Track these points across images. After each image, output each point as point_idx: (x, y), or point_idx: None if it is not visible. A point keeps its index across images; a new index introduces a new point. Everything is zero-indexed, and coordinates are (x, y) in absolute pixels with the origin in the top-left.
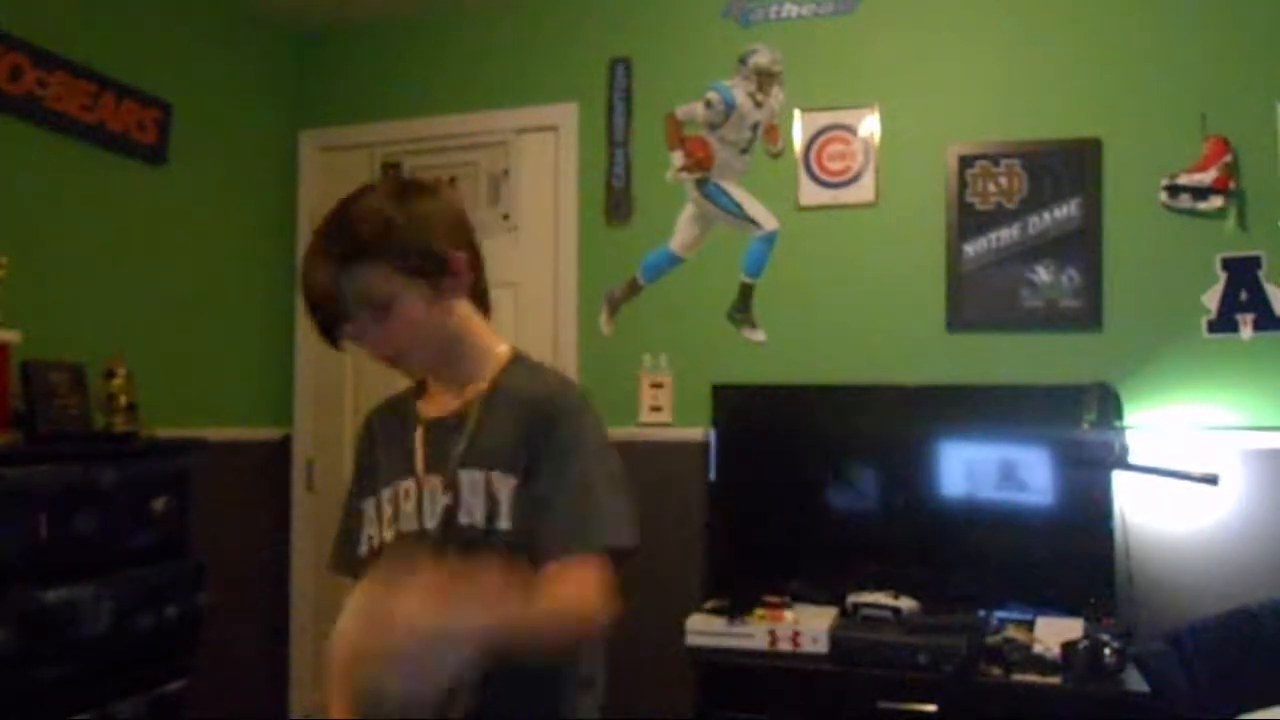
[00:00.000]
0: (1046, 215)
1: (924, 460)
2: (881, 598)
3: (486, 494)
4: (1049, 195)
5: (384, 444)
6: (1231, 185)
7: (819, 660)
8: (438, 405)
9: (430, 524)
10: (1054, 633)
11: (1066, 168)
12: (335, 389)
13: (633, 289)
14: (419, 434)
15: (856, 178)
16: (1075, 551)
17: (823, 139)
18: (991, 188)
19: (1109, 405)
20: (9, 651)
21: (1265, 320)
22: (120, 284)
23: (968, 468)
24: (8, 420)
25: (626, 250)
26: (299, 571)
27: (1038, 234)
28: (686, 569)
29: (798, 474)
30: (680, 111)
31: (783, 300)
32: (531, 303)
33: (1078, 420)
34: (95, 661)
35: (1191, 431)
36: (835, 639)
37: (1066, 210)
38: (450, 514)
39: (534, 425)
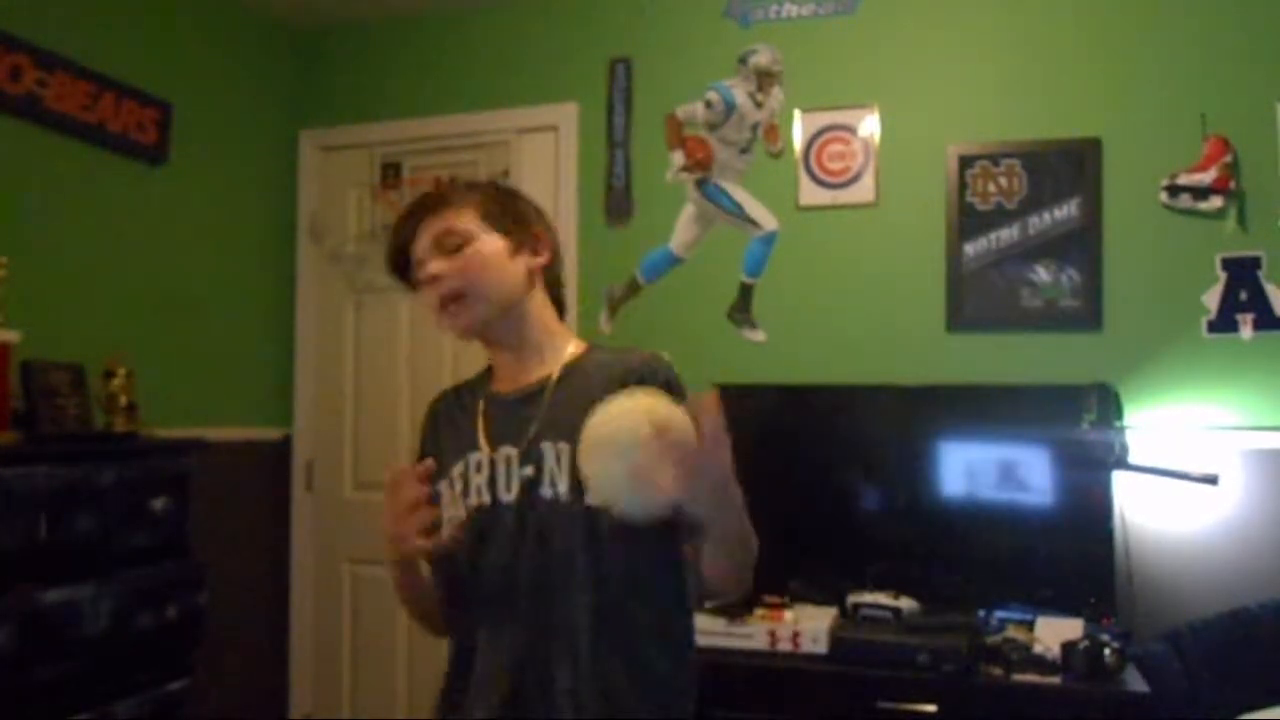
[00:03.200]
0: (1046, 215)
1: (924, 460)
2: (881, 598)
3: (571, 467)
4: (1049, 195)
5: (447, 424)
6: (1231, 185)
7: (819, 660)
8: (507, 383)
9: (506, 496)
10: (1054, 633)
11: (1066, 168)
12: (335, 389)
13: (633, 289)
14: (483, 407)
15: (856, 178)
16: (1075, 551)
17: (823, 139)
18: (991, 188)
19: (1109, 405)
20: (9, 651)
21: (1265, 320)
22: (120, 284)
23: (968, 468)
24: (8, 420)
25: (626, 250)
26: (299, 571)
27: (1038, 234)
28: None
29: (797, 474)
30: (680, 111)
31: (783, 300)
32: None
33: (1078, 420)
34: (95, 661)
35: (1191, 431)
36: (835, 639)
37: (1066, 210)
38: (531, 485)
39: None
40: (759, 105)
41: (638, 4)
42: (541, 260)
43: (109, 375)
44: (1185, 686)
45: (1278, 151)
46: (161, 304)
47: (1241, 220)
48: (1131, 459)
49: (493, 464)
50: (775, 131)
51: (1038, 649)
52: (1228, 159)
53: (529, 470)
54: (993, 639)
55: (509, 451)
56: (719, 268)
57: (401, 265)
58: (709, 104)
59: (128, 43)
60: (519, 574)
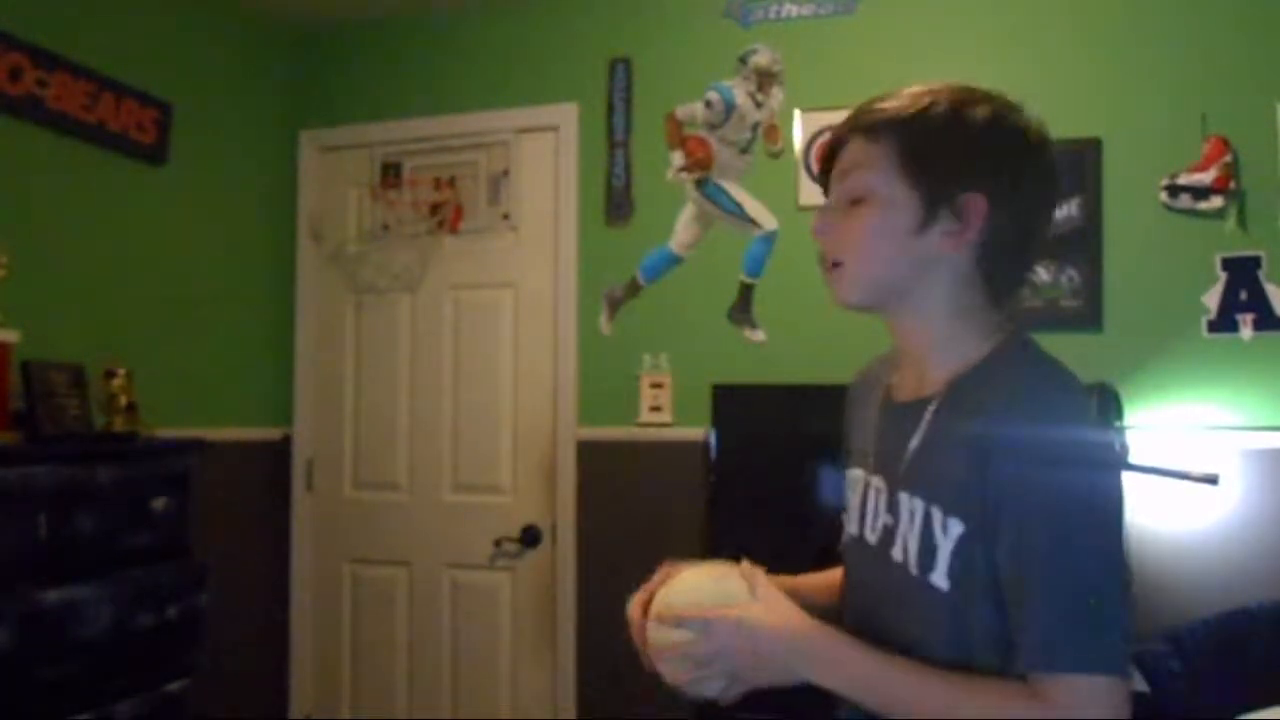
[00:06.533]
0: None
1: None
2: None
3: (923, 535)
4: None
5: (856, 412)
6: (1231, 185)
7: None
8: (903, 382)
9: (871, 537)
10: None
11: (1066, 168)
12: (335, 389)
13: (632, 289)
14: (877, 415)
15: None
16: None
17: (823, 139)
18: None
19: (1109, 405)
20: (9, 651)
21: (1265, 320)
22: (120, 284)
23: None
24: (8, 420)
25: (626, 250)
26: (299, 571)
27: None
28: None
29: (798, 474)
30: (680, 111)
31: (783, 300)
32: (531, 303)
33: None
34: (95, 661)
35: (1191, 431)
36: None
37: (1066, 210)
38: (888, 538)
39: (983, 459)
40: (759, 105)
41: (638, 4)
42: (965, 237)
43: (109, 375)
44: (1185, 686)
45: (1278, 151)
46: (161, 304)
47: (1241, 220)
48: (1131, 459)
49: (865, 490)
50: (775, 131)
51: None
52: (1228, 159)
53: (889, 519)
54: None
55: (879, 484)
56: (719, 268)
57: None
58: (709, 104)
59: (128, 43)
60: (874, 624)
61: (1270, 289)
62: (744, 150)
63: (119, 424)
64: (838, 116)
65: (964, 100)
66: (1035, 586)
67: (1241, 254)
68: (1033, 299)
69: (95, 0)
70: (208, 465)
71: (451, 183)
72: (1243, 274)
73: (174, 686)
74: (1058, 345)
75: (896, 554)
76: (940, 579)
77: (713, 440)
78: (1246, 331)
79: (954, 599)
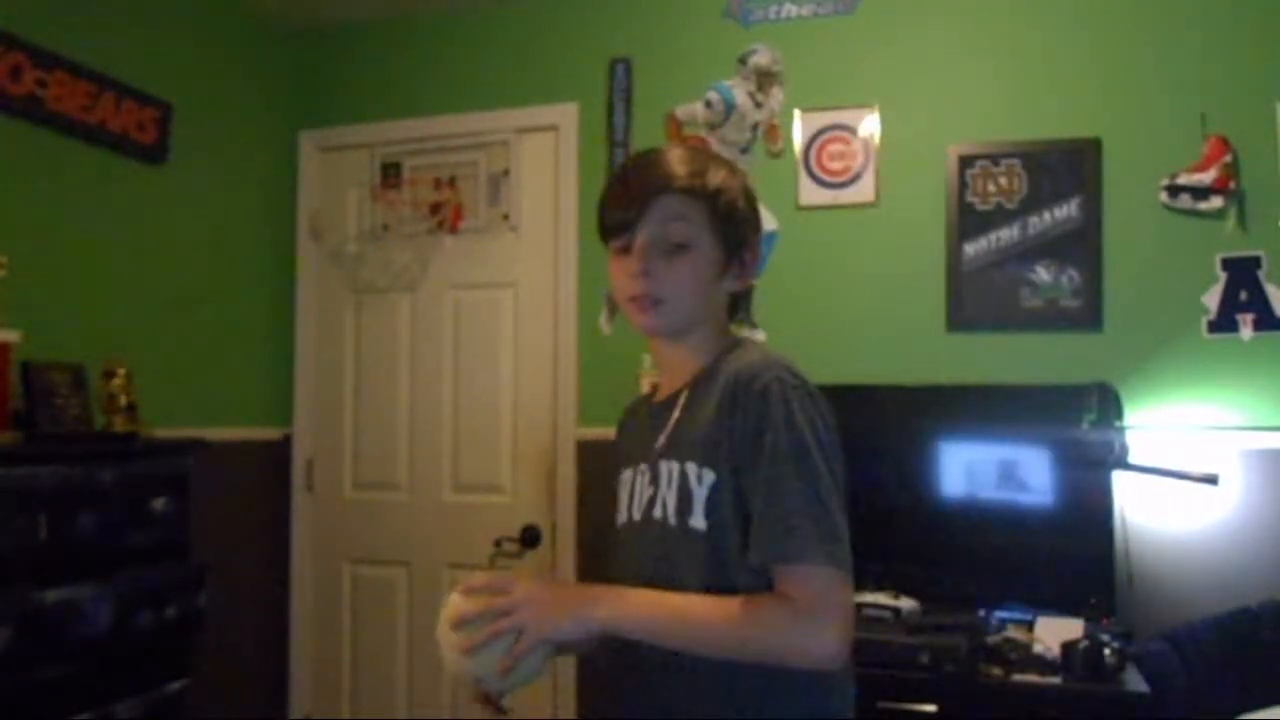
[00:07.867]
0: (1046, 215)
1: (924, 460)
2: (881, 598)
3: (680, 488)
4: (1049, 195)
5: (624, 434)
6: (1231, 185)
7: None
8: (662, 390)
9: (636, 515)
10: (1054, 633)
11: (1066, 168)
12: (335, 389)
13: None
14: (641, 422)
15: (856, 178)
16: (1075, 551)
17: (823, 139)
18: (991, 188)
19: (1109, 405)
20: (9, 651)
21: (1265, 320)
22: (120, 284)
23: (968, 468)
24: (8, 420)
25: None
26: (299, 571)
27: (1038, 234)
28: None
29: None
30: (680, 111)
31: (783, 300)
32: (531, 303)
33: (1078, 420)
34: (95, 661)
35: (1191, 431)
36: None
37: (1066, 210)
38: (650, 504)
39: (727, 412)
40: (759, 105)
41: (638, 4)
42: (746, 277)
43: (109, 375)
44: (1185, 686)
45: (1278, 151)
46: (161, 304)
47: (1241, 220)
48: (1131, 459)
49: (633, 480)
50: (775, 131)
51: (1038, 649)
52: (1228, 159)
53: (651, 490)
54: (993, 639)
55: (644, 468)
56: None
57: (615, 218)
58: (709, 104)
59: (128, 43)
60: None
61: (1270, 289)
62: (744, 150)
63: (119, 424)
64: (838, 116)
65: (737, 171)
66: (775, 500)
67: (1241, 254)
68: (1033, 299)
69: (95, 0)
70: (208, 465)
71: (451, 183)
72: (1243, 274)
73: (174, 686)
74: (1058, 345)
75: (657, 512)
76: (698, 521)
77: None
78: (1246, 331)
79: (711, 536)
